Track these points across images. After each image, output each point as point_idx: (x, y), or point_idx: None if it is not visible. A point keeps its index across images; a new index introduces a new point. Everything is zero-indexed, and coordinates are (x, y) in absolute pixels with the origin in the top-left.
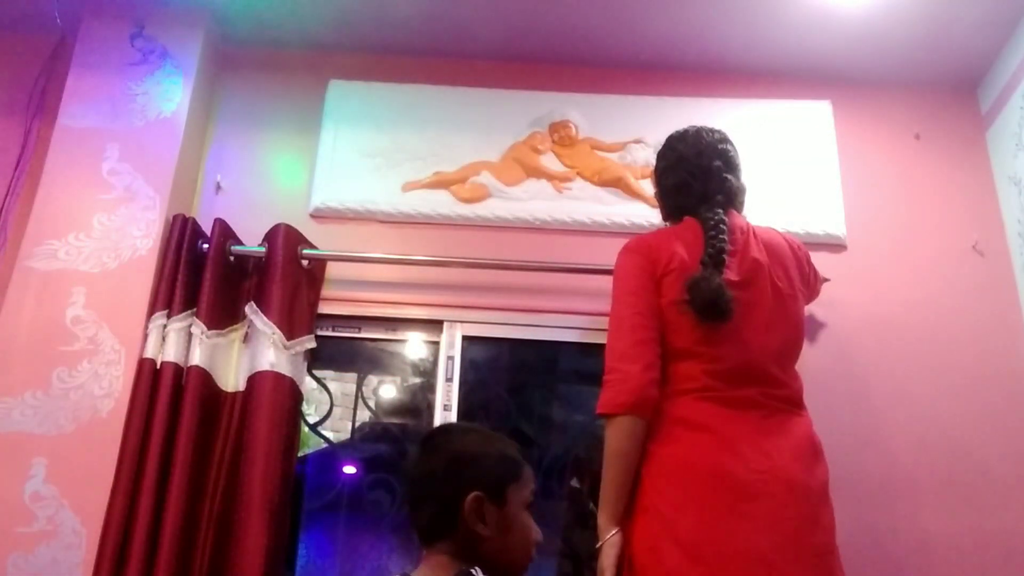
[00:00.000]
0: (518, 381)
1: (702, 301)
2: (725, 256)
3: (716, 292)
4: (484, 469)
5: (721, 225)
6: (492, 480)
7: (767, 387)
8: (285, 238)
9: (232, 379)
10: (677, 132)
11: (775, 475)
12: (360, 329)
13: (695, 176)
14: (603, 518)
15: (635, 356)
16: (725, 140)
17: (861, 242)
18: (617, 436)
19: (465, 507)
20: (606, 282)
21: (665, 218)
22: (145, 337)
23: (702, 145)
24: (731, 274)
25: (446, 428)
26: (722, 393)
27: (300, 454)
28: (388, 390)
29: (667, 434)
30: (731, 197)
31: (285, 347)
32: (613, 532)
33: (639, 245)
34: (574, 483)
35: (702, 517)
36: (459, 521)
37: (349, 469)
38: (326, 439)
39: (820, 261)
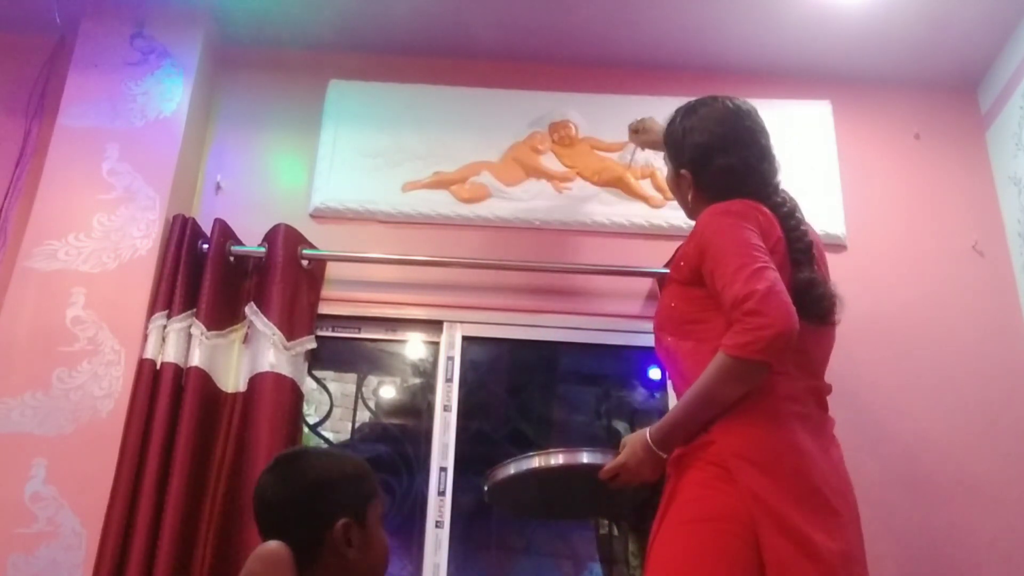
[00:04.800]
0: (518, 381)
1: (814, 304)
2: (814, 251)
3: (831, 296)
4: (347, 493)
5: (798, 214)
6: (355, 503)
7: (824, 389)
8: (285, 238)
9: (232, 380)
10: (714, 102)
11: (846, 480)
12: (360, 329)
13: (757, 157)
14: (661, 444)
15: (774, 278)
16: (758, 113)
17: (861, 242)
18: (738, 382)
19: (335, 534)
20: (606, 282)
21: (703, 199)
22: (145, 338)
23: (750, 120)
24: None
25: (299, 453)
26: (808, 384)
27: None
28: (388, 391)
29: (773, 413)
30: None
31: (285, 348)
32: (665, 456)
33: (743, 209)
34: (603, 530)
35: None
36: (324, 547)
37: None
38: (326, 440)
39: None
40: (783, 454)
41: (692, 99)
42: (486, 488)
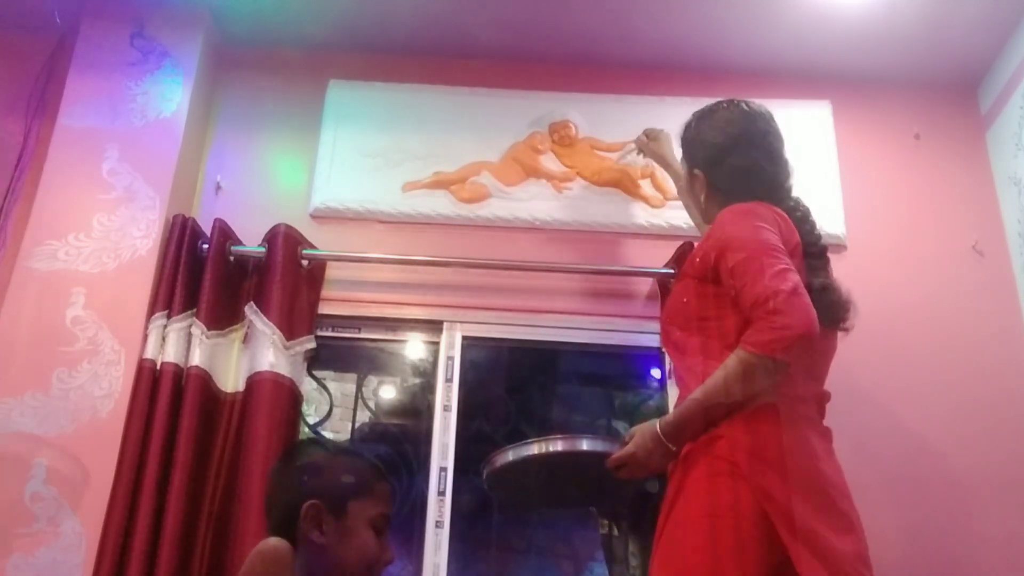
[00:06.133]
0: (518, 382)
1: (829, 309)
2: (828, 255)
3: (845, 302)
4: (326, 480)
5: (811, 218)
6: (333, 492)
7: (824, 397)
8: (285, 238)
9: (232, 380)
10: (731, 105)
11: (846, 487)
12: (360, 330)
13: (767, 159)
14: (672, 437)
15: (797, 280)
16: (773, 118)
17: (861, 242)
18: (755, 380)
19: (301, 513)
20: (606, 282)
21: (716, 200)
22: (145, 338)
23: (764, 123)
24: None
25: (303, 441)
26: (812, 390)
27: None
28: (388, 391)
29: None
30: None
31: (285, 348)
32: (674, 449)
33: (764, 212)
34: (603, 530)
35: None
36: (298, 533)
37: None
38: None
39: None
40: (794, 453)
41: (711, 101)
42: (485, 474)
